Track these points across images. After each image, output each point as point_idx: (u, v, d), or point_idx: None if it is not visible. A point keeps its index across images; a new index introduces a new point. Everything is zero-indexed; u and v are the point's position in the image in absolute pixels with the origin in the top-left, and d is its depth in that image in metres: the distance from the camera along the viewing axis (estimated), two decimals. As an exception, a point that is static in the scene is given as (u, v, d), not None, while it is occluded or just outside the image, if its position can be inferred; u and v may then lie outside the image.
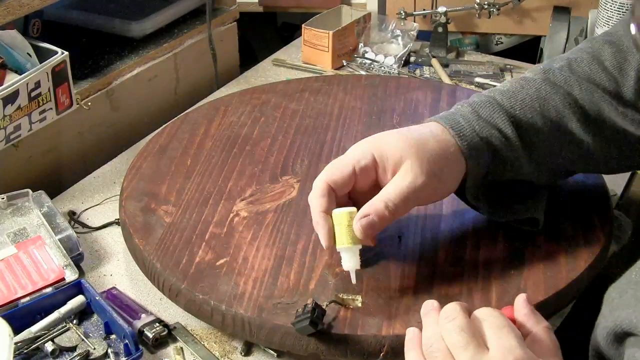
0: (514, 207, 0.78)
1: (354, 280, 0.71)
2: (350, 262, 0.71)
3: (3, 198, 0.87)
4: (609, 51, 0.78)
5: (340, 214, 0.71)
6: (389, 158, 0.71)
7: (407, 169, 0.70)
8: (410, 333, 0.62)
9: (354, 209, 0.71)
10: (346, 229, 0.70)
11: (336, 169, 0.72)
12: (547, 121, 0.76)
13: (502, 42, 1.50)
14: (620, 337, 0.57)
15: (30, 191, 0.89)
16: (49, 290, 0.78)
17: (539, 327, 0.58)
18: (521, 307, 0.60)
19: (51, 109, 0.94)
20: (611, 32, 0.81)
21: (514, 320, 0.59)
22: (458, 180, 0.74)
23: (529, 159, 0.76)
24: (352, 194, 0.75)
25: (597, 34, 1.25)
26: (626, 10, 1.17)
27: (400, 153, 0.71)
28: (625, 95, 0.76)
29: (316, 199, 0.72)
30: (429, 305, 0.62)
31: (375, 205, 0.70)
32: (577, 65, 0.78)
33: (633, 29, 0.47)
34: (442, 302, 0.64)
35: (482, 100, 0.77)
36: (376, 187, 0.73)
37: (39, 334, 0.74)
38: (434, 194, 0.74)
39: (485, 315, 0.58)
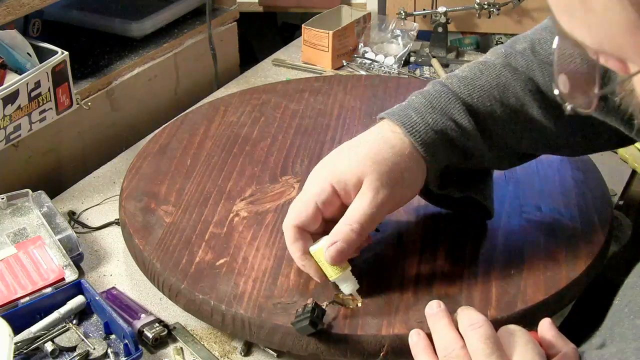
0: (471, 194, 0.77)
1: (359, 302, 0.70)
2: (348, 287, 0.70)
3: (3, 198, 0.87)
4: None
5: (316, 252, 0.70)
6: (348, 183, 0.70)
7: (367, 186, 0.69)
8: (415, 336, 0.61)
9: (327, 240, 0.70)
10: (327, 263, 0.70)
11: (300, 211, 0.71)
12: (507, 109, 0.74)
13: (502, 42, 1.49)
14: None
15: (30, 191, 0.89)
16: (48, 290, 0.78)
17: (568, 347, 0.58)
18: (548, 328, 0.60)
19: (51, 109, 0.94)
20: None
21: (539, 343, 0.59)
22: (422, 179, 0.73)
23: (489, 147, 0.74)
24: (325, 219, 0.73)
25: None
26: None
27: (357, 174, 0.70)
28: None
29: (291, 245, 0.71)
30: (434, 306, 0.62)
31: (341, 230, 0.69)
32: (540, 46, 0.75)
33: (556, 91, 0.46)
34: (443, 302, 0.64)
35: (437, 90, 0.74)
36: (346, 208, 0.71)
37: (39, 334, 0.74)
38: (401, 200, 0.73)
39: (513, 330, 0.58)
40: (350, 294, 0.70)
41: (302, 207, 0.71)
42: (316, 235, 0.72)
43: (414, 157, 0.71)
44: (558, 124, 0.74)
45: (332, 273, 0.70)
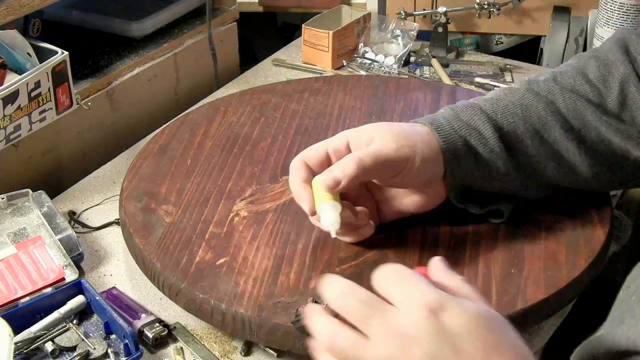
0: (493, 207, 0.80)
1: (333, 234, 0.71)
2: (328, 218, 0.70)
3: (3, 198, 0.87)
4: (593, 65, 0.80)
5: (315, 183, 0.73)
6: (362, 137, 0.74)
7: (379, 138, 0.73)
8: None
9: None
10: (323, 190, 0.72)
11: (311, 150, 0.76)
12: (530, 127, 0.77)
13: (502, 42, 1.50)
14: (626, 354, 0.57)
15: (30, 191, 0.89)
16: (49, 290, 0.78)
17: (455, 279, 0.54)
18: (438, 266, 0.56)
19: (51, 109, 0.94)
20: (598, 49, 0.83)
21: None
22: (434, 178, 0.76)
23: (512, 165, 0.76)
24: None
25: (597, 33, 1.25)
26: (626, 10, 1.17)
27: (372, 132, 0.74)
28: (609, 106, 0.78)
29: (293, 174, 0.75)
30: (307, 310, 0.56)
31: (342, 161, 0.72)
32: (562, 77, 0.80)
33: None
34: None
35: (464, 104, 0.79)
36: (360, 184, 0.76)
37: (39, 334, 0.74)
38: (402, 181, 0.74)
39: (386, 272, 0.53)
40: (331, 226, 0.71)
41: (314, 148, 0.76)
42: None
43: (435, 150, 0.74)
44: (580, 147, 0.77)
45: (325, 197, 0.71)
